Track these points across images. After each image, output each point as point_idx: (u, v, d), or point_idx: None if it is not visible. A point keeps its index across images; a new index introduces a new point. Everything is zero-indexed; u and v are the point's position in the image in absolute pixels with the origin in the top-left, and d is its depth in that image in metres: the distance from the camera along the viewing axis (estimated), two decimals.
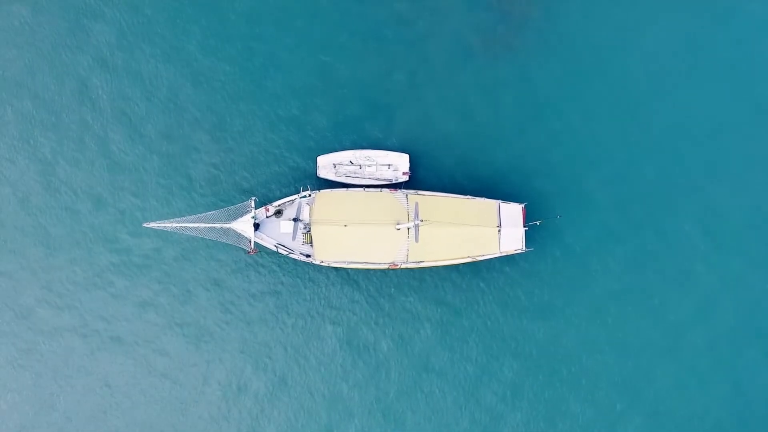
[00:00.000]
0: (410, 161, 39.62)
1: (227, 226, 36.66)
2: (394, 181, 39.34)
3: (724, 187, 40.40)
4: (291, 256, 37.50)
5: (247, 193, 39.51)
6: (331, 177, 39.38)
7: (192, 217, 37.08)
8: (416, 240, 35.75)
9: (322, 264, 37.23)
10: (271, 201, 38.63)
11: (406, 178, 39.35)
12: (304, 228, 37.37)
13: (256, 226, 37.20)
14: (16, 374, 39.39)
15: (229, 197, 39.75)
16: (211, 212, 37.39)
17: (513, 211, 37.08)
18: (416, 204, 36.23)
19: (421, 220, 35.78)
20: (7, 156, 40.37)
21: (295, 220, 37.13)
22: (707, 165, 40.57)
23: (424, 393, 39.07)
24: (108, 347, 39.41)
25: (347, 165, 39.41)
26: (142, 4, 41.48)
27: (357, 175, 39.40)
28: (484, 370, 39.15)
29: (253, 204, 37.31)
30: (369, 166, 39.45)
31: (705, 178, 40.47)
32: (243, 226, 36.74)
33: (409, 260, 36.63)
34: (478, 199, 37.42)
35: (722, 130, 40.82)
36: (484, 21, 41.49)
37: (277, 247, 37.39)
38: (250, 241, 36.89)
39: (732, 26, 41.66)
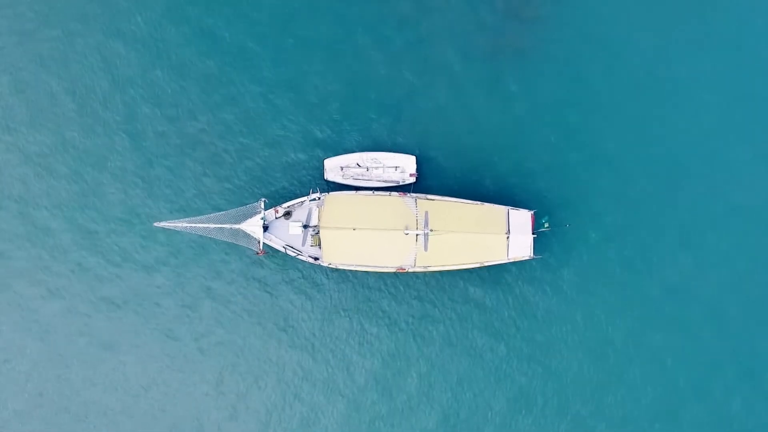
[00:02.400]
0: (417, 163, 39.79)
1: (237, 227, 36.86)
2: (401, 183, 39.59)
3: (740, 199, 40.18)
4: (299, 257, 37.75)
5: (256, 195, 39.62)
6: (339, 180, 39.55)
7: (202, 217, 37.19)
8: (425, 249, 36.22)
9: (330, 266, 37.53)
10: (280, 203, 38.72)
11: (413, 179, 39.57)
12: (313, 230, 37.63)
13: (265, 228, 37.40)
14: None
15: (238, 198, 39.85)
16: (220, 213, 37.57)
17: (522, 218, 37.40)
18: (426, 213, 36.58)
19: (431, 230, 36.20)
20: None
21: (305, 226, 37.41)
22: (725, 176, 40.32)
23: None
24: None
25: (354, 167, 39.55)
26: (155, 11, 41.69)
27: (364, 178, 39.58)
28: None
29: (262, 205, 37.50)
30: (376, 168, 39.62)
31: (720, 189, 40.25)
32: (252, 227, 36.97)
33: (417, 264, 36.98)
34: (487, 205, 37.71)
35: (741, 140, 40.57)
36: (492, 23, 41.43)
37: (285, 248, 37.62)
38: (259, 242, 37.13)
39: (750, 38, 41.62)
